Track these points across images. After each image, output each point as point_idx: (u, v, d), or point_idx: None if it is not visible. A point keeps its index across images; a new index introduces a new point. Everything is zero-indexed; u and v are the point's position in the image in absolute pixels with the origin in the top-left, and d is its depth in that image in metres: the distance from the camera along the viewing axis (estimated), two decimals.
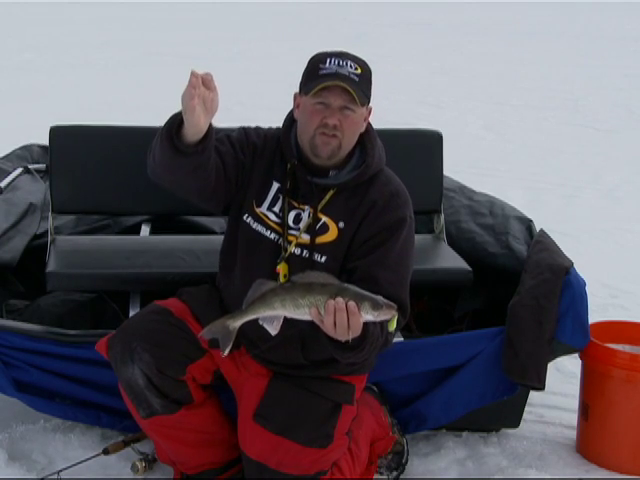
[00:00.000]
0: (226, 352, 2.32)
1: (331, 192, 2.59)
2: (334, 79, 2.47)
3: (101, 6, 21.09)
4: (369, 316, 2.23)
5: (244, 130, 2.70)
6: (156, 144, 2.46)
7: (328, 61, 2.51)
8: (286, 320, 2.31)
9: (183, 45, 14.94)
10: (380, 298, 2.25)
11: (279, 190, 2.62)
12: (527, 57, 14.75)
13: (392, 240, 2.55)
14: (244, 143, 2.64)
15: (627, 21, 22.19)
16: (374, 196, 2.59)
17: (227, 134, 2.66)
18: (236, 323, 2.30)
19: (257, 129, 2.73)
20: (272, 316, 2.29)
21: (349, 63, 2.50)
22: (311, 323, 2.29)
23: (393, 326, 2.32)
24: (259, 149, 2.65)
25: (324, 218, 2.58)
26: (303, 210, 2.60)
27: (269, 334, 2.33)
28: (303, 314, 2.26)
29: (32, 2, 20.73)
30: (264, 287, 2.29)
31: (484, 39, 17.52)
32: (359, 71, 2.51)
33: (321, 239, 2.57)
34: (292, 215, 2.60)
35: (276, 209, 2.61)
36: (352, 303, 2.22)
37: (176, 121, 2.39)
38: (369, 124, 2.64)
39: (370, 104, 2.59)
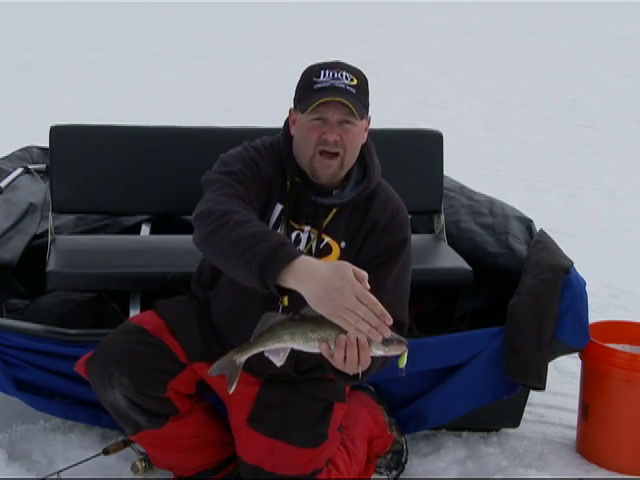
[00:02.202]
0: (232, 389, 2.24)
1: (334, 211, 2.51)
2: (331, 93, 2.36)
3: (101, 6, 21.08)
4: (380, 351, 2.18)
5: (248, 159, 2.47)
6: (232, 259, 2.18)
7: (322, 74, 2.39)
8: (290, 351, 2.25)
9: (183, 45, 14.94)
10: (391, 333, 2.17)
11: (282, 212, 2.51)
12: (527, 57, 14.73)
13: (392, 262, 2.50)
14: (256, 176, 2.47)
15: (627, 21, 22.17)
16: (375, 214, 2.52)
17: (239, 180, 2.42)
18: (243, 357, 2.23)
19: (256, 150, 2.52)
20: (279, 348, 2.23)
21: (344, 74, 2.39)
22: (319, 355, 2.22)
23: (403, 362, 2.25)
24: (261, 174, 2.49)
25: (326, 239, 2.52)
26: (302, 231, 2.52)
27: (268, 359, 2.27)
28: (312, 347, 2.20)
29: (32, 2, 20.71)
30: (272, 320, 2.21)
31: (484, 39, 17.50)
32: (355, 82, 2.40)
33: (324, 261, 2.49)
34: (292, 237, 2.52)
35: (279, 232, 2.50)
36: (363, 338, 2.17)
37: (274, 273, 2.09)
38: (367, 135, 2.55)
39: (369, 113, 2.49)
